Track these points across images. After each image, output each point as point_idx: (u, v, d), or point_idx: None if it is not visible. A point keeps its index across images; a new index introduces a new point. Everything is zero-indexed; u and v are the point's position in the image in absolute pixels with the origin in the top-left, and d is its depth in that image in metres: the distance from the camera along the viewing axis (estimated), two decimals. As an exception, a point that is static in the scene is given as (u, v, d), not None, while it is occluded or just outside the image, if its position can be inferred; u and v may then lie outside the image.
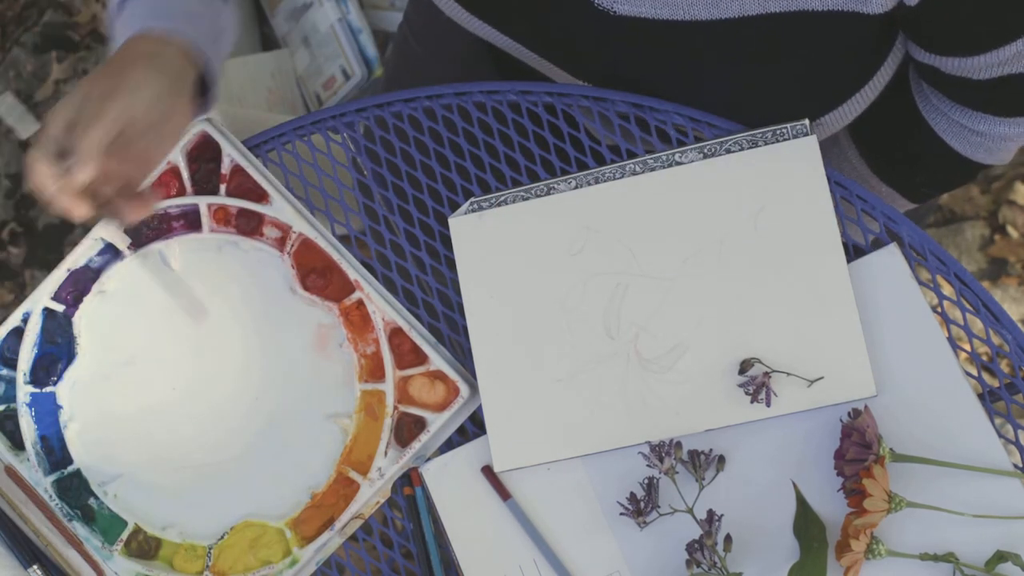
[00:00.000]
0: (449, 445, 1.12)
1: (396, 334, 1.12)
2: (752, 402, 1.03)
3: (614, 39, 1.09)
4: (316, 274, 1.15)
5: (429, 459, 1.10)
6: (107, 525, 1.14)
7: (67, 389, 1.17)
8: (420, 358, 1.11)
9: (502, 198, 1.12)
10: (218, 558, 1.13)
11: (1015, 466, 1.01)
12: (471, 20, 1.16)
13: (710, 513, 1.00)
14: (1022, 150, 1.96)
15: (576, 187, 1.11)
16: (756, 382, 1.02)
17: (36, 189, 0.98)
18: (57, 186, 0.97)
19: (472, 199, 1.12)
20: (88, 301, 1.17)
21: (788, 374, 1.03)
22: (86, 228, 1.19)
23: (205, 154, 1.18)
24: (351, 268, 1.14)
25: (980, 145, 1.14)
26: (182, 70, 1.05)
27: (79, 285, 1.18)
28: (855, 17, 1.00)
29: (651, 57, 1.09)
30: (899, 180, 1.23)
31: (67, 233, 2.24)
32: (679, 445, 1.03)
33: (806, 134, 1.08)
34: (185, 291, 1.16)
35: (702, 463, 1.03)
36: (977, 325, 1.06)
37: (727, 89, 1.10)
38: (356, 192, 1.20)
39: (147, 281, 1.17)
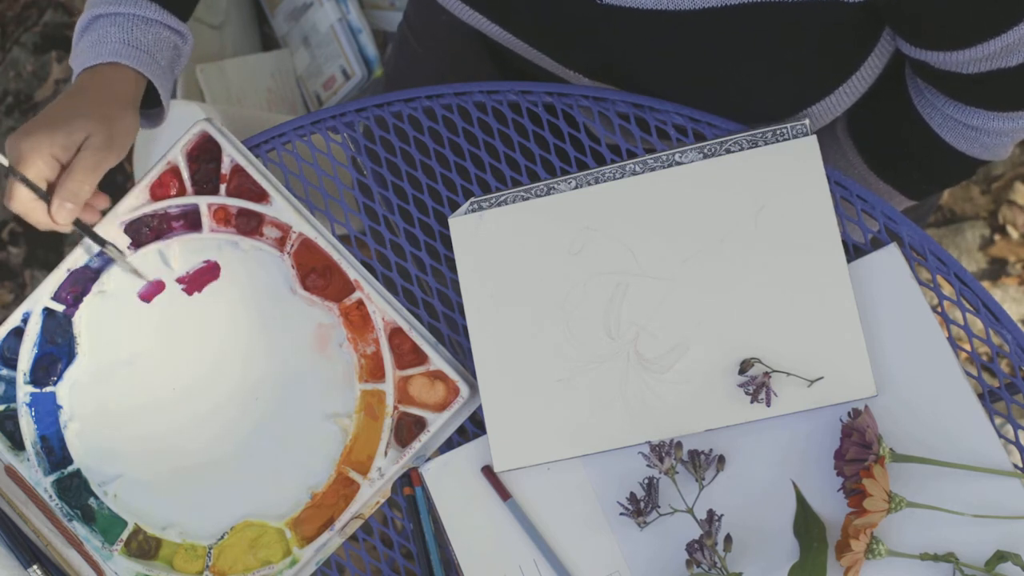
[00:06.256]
0: (449, 445, 1.12)
1: (396, 334, 1.12)
2: (752, 402, 1.03)
3: (602, 29, 1.09)
4: (316, 274, 1.15)
5: (429, 459, 1.10)
6: (107, 525, 1.14)
7: (67, 389, 1.17)
8: (420, 358, 1.11)
9: (502, 198, 1.12)
10: (218, 558, 1.13)
11: (1015, 466, 1.01)
12: (463, 9, 1.15)
13: (710, 513, 1.00)
14: (1023, 149, 1.97)
15: (576, 187, 1.11)
16: (756, 382, 1.02)
17: (18, 213, 1.10)
18: (43, 220, 1.11)
19: (472, 199, 1.12)
20: (88, 301, 1.17)
21: (788, 374, 1.03)
22: (86, 228, 1.19)
23: (205, 154, 1.18)
24: (351, 268, 1.14)
25: (975, 140, 1.14)
26: (137, 99, 1.14)
27: (79, 285, 1.18)
28: (835, 5, 1.00)
29: (638, 47, 1.09)
30: (897, 177, 1.23)
31: (67, 233, 2.24)
32: (679, 445, 1.03)
33: (806, 134, 1.08)
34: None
35: (702, 463, 1.02)
36: (977, 325, 1.06)
37: (713, 78, 1.10)
38: (356, 192, 1.20)
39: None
